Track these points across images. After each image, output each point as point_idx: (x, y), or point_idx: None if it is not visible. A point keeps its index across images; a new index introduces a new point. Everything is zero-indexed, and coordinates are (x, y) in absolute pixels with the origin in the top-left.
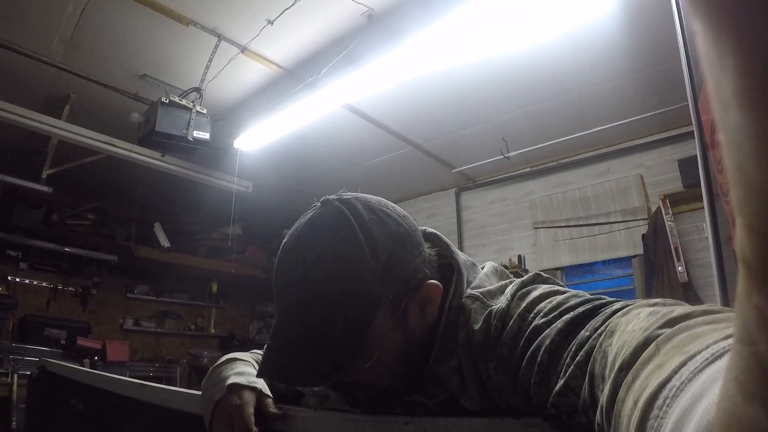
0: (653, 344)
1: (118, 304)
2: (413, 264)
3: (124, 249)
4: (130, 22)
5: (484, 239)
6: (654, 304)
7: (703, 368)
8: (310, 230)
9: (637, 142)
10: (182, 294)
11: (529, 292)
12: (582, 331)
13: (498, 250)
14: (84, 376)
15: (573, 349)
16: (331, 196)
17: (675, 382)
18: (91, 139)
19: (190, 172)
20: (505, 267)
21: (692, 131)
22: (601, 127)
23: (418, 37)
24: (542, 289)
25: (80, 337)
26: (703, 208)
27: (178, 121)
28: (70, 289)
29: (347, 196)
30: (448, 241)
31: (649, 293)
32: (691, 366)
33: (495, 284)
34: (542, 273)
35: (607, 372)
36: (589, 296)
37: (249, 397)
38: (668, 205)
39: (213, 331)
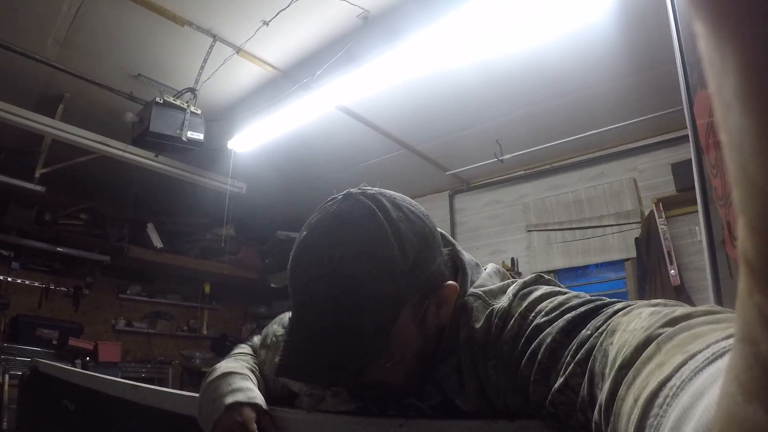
0: (654, 343)
1: (110, 304)
2: (435, 264)
3: (117, 249)
4: (125, 21)
5: (478, 242)
6: (656, 305)
7: (704, 367)
8: (338, 224)
9: (630, 145)
10: (175, 295)
11: (530, 292)
12: (583, 330)
13: (491, 253)
14: (76, 377)
15: (574, 347)
16: (354, 190)
17: (675, 381)
18: (85, 138)
19: (183, 173)
20: None
21: (685, 135)
22: (595, 131)
23: (413, 39)
24: (544, 289)
25: (72, 337)
26: (695, 212)
27: (172, 121)
28: (62, 289)
29: (372, 191)
30: (454, 240)
31: (641, 296)
32: (692, 365)
33: (497, 284)
34: (544, 275)
35: (607, 370)
36: (591, 297)
37: (250, 415)
38: (661, 208)
39: (205, 332)
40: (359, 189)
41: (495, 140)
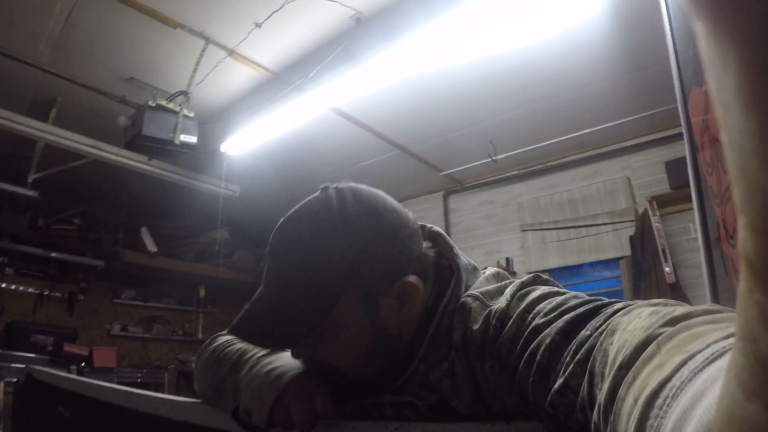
0: (654, 343)
1: (105, 309)
2: (393, 257)
3: (111, 254)
4: (118, 24)
5: (472, 242)
6: (656, 304)
7: (704, 367)
8: (299, 212)
9: (624, 144)
10: (170, 299)
11: (528, 293)
12: (582, 331)
13: (486, 253)
14: (71, 384)
15: (573, 348)
16: (330, 184)
17: (675, 381)
18: (78, 142)
19: (177, 176)
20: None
21: (678, 133)
22: (589, 130)
23: (405, 40)
24: (542, 290)
25: (67, 343)
26: (689, 209)
27: (165, 124)
28: (56, 294)
29: (343, 185)
30: (452, 243)
31: (636, 294)
32: (692, 365)
33: (495, 285)
34: (542, 275)
35: (607, 370)
36: (590, 297)
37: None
38: (655, 206)
39: (201, 336)
40: (336, 184)
41: (488, 140)
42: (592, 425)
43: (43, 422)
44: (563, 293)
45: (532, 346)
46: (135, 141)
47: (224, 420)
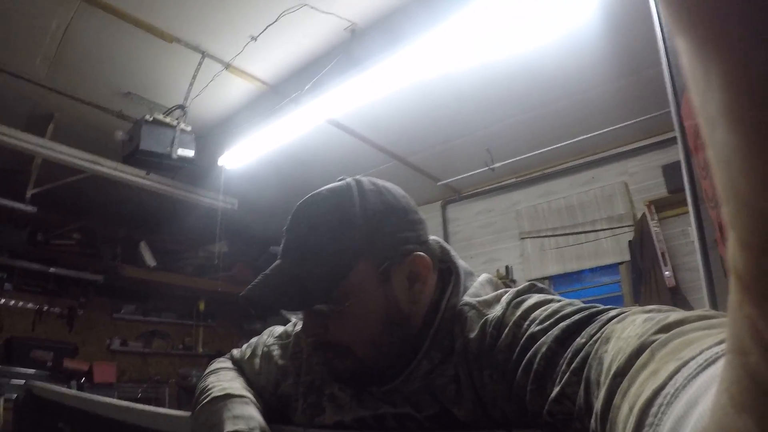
0: (648, 350)
1: (104, 324)
2: (402, 234)
3: (111, 268)
4: (114, 39)
5: (471, 251)
6: (650, 311)
7: (697, 374)
8: (317, 193)
9: (620, 149)
10: (170, 313)
11: (524, 301)
12: (578, 338)
13: (485, 261)
14: (71, 399)
15: (569, 355)
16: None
17: (669, 389)
18: (76, 157)
19: (175, 190)
20: None
21: (674, 137)
22: (585, 136)
23: (400, 50)
24: (537, 297)
25: (67, 358)
26: (688, 212)
27: (163, 138)
28: (55, 309)
29: (360, 177)
30: (450, 248)
31: (636, 299)
32: (685, 372)
33: (491, 293)
34: (537, 283)
35: (602, 378)
36: (585, 305)
37: None
38: (653, 210)
39: (201, 350)
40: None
41: (485, 149)
42: None
43: None
44: (558, 300)
45: (528, 354)
46: (133, 155)
47: None
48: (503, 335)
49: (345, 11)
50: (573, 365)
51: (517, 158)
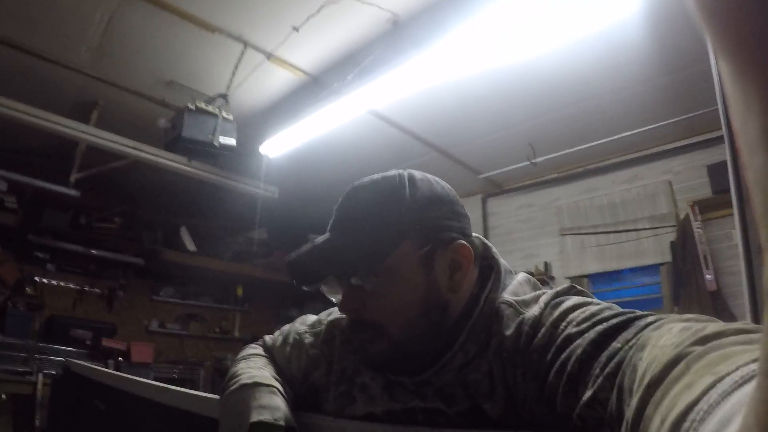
0: (684, 362)
1: (143, 306)
2: (448, 222)
3: (151, 252)
4: (157, 29)
5: (510, 246)
6: (687, 320)
7: (732, 391)
8: (371, 177)
9: (664, 147)
10: (207, 297)
11: (562, 302)
12: (613, 343)
13: (524, 257)
14: (107, 378)
15: (603, 360)
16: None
17: (703, 405)
18: (119, 144)
19: (216, 177)
20: (531, 274)
21: (720, 136)
22: (628, 133)
23: (443, 42)
24: (575, 299)
25: (105, 338)
26: (732, 214)
27: (205, 127)
28: (96, 290)
29: (411, 170)
30: (491, 245)
31: (676, 302)
32: (720, 389)
33: (529, 293)
34: (576, 285)
35: (635, 386)
36: (623, 309)
37: None
38: (697, 211)
39: (238, 334)
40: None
41: (528, 143)
42: None
43: (79, 414)
44: (597, 303)
45: (563, 356)
46: (175, 143)
47: None
48: (539, 335)
49: (387, 2)
50: (607, 370)
51: (559, 153)
